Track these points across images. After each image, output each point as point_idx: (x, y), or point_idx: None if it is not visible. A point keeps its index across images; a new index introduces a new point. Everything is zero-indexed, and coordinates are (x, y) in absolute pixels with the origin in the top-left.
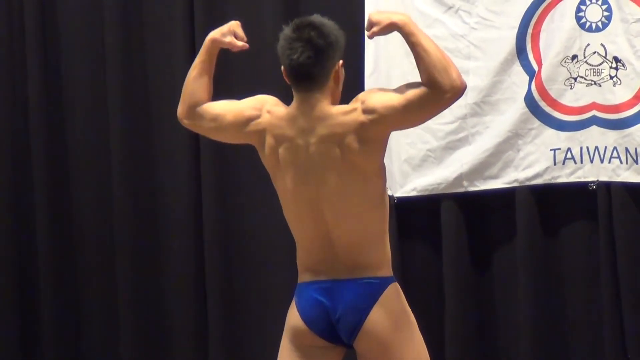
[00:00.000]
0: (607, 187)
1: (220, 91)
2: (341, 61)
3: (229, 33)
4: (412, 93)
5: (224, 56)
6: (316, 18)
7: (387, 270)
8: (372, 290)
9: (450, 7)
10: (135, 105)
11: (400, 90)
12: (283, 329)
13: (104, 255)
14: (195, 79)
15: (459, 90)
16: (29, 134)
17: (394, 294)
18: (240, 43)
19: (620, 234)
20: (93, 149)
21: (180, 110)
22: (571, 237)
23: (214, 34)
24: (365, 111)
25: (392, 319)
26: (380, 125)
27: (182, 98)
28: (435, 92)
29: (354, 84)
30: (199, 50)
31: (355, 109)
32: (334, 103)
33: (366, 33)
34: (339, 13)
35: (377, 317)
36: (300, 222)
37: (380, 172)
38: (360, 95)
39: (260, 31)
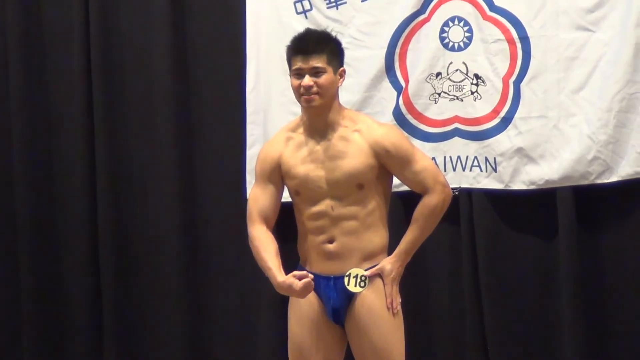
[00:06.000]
0: (468, 194)
1: (108, 83)
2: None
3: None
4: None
5: (116, 52)
6: None
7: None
8: None
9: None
10: (35, 110)
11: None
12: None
13: (7, 259)
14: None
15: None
16: None
17: None
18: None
19: (480, 236)
20: None
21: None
22: (436, 239)
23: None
24: None
25: None
26: None
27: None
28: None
29: (235, 100)
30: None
31: None
32: None
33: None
34: (221, 38)
35: None
36: None
37: None
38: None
39: (149, 27)
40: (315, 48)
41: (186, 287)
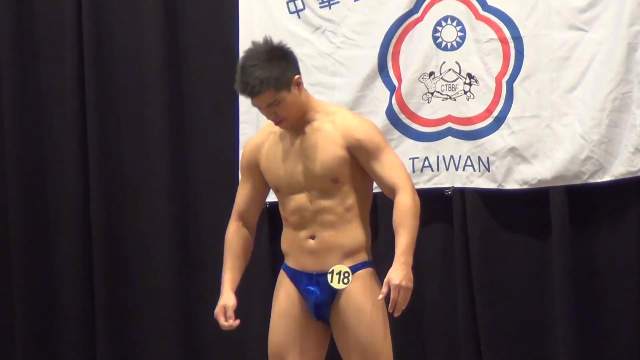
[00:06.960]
0: (461, 193)
1: (101, 83)
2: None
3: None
4: None
5: (108, 52)
6: None
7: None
8: None
9: (317, 28)
10: (28, 110)
11: None
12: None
13: None
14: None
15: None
16: None
17: None
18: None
19: (473, 236)
20: None
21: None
22: (429, 239)
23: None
24: None
25: None
26: None
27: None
28: None
29: (228, 99)
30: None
31: None
32: None
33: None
34: (213, 37)
35: None
36: None
37: None
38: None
39: (142, 26)
40: (258, 90)
41: (179, 288)
